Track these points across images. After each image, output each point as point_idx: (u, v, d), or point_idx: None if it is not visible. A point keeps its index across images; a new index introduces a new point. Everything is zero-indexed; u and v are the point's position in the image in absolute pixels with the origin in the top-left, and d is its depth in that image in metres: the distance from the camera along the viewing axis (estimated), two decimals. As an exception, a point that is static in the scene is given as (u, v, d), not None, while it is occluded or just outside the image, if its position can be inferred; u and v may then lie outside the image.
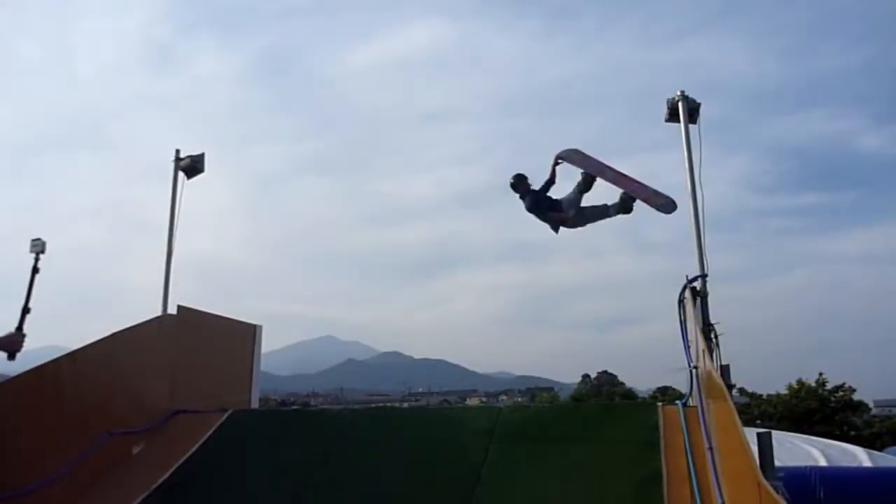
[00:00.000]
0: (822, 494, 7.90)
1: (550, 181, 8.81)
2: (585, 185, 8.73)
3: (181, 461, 6.76)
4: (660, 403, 6.69)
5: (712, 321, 6.66)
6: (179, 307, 8.14)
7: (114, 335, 7.09)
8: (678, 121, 7.46)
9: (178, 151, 8.58)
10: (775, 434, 5.89)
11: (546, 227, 8.88)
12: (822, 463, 9.66)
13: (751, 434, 4.79)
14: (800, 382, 31.54)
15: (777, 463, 5.24)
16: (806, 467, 8.71)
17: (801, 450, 10.45)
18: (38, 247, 5.85)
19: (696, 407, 6.20)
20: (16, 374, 6.26)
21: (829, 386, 30.87)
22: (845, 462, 10.10)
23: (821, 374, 31.23)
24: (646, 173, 8.83)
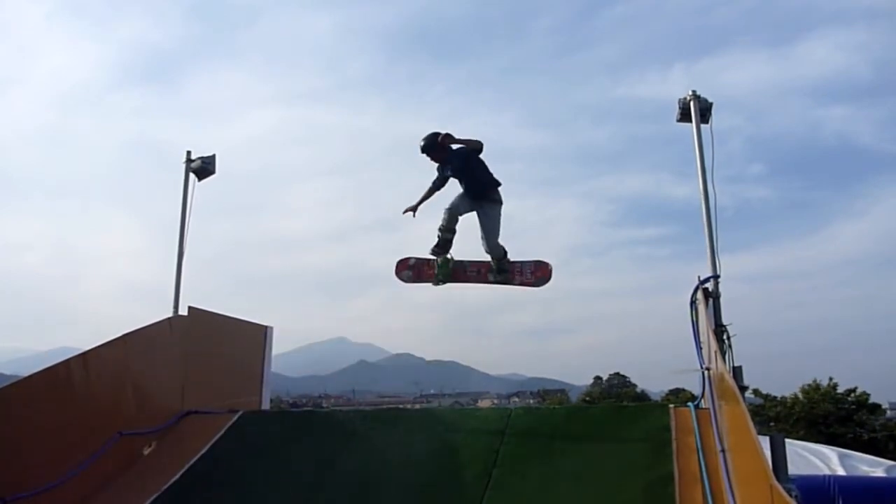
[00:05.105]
0: None
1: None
2: None
3: (192, 462, 6.78)
4: (671, 405, 6.64)
5: (724, 322, 6.60)
6: (190, 308, 8.16)
7: (125, 336, 7.13)
8: (690, 121, 7.38)
9: (188, 153, 8.57)
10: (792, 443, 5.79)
11: None
12: (840, 472, 9.42)
13: (764, 439, 4.74)
14: (815, 384, 31.31)
15: (793, 470, 5.17)
16: (824, 476, 8.50)
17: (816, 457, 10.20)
18: None
19: (708, 409, 6.15)
20: (28, 374, 6.32)
21: (840, 389, 30.71)
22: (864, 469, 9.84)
23: (831, 378, 31.12)
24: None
